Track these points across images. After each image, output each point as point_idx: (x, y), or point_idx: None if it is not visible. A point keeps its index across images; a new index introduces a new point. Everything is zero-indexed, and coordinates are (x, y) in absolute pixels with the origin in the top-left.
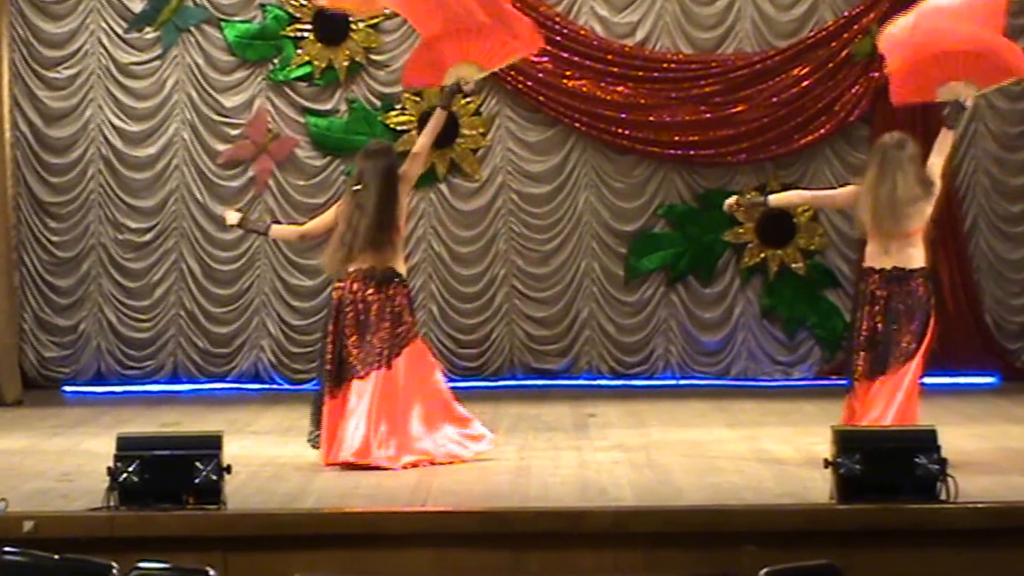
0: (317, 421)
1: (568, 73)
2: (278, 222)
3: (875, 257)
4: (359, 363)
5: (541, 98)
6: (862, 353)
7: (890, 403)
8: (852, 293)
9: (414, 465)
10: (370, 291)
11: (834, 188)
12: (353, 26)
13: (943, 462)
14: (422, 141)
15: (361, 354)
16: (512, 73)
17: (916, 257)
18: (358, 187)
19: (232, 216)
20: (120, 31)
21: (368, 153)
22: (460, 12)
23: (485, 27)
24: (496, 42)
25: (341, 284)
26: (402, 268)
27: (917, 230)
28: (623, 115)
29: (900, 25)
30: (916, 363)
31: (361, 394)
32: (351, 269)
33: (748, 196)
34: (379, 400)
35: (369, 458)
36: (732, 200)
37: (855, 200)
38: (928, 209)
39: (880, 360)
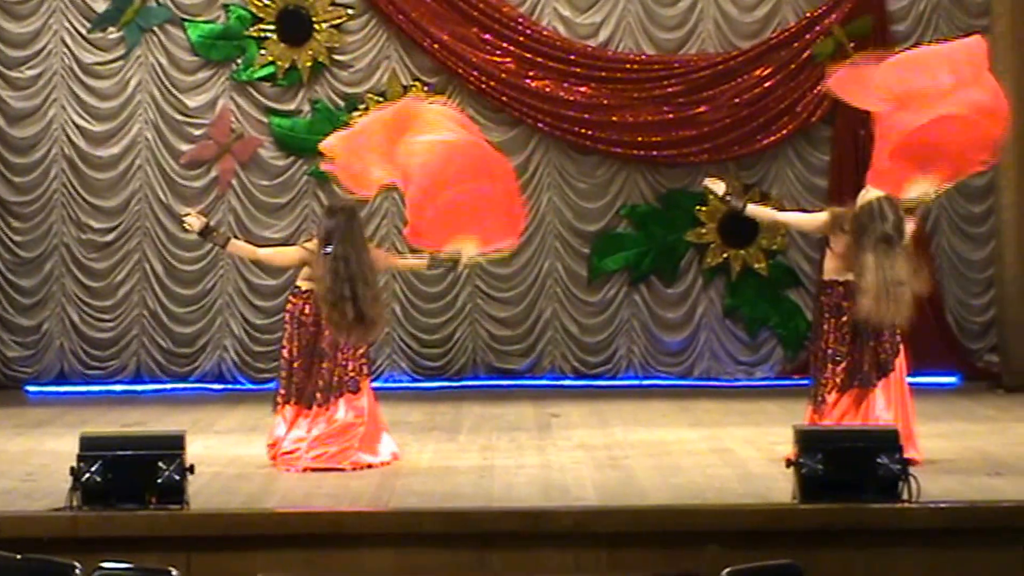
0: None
1: (531, 73)
2: (237, 237)
3: (839, 271)
4: (319, 392)
5: (504, 98)
6: (830, 366)
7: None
8: (815, 293)
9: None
10: (324, 317)
11: (800, 204)
12: (316, 27)
13: (905, 462)
14: (397, 264)
15: (321, 383)
16: (475, 73)
17: None
18: (328, 250)
19: (194, 222)
20: (83, 31)
21: (334, 211)
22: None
23: (499, 204)
24: (500, 224)
25: (295, 300)
26: None
27: None
28: (586, 115)
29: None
30: (900, 374)
31: (321, 420)
32: (304, 288)
33: (731, 195)
34: (367, 420)
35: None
36: (719, 188)
37: (824, 228)
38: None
39: (851, 372)
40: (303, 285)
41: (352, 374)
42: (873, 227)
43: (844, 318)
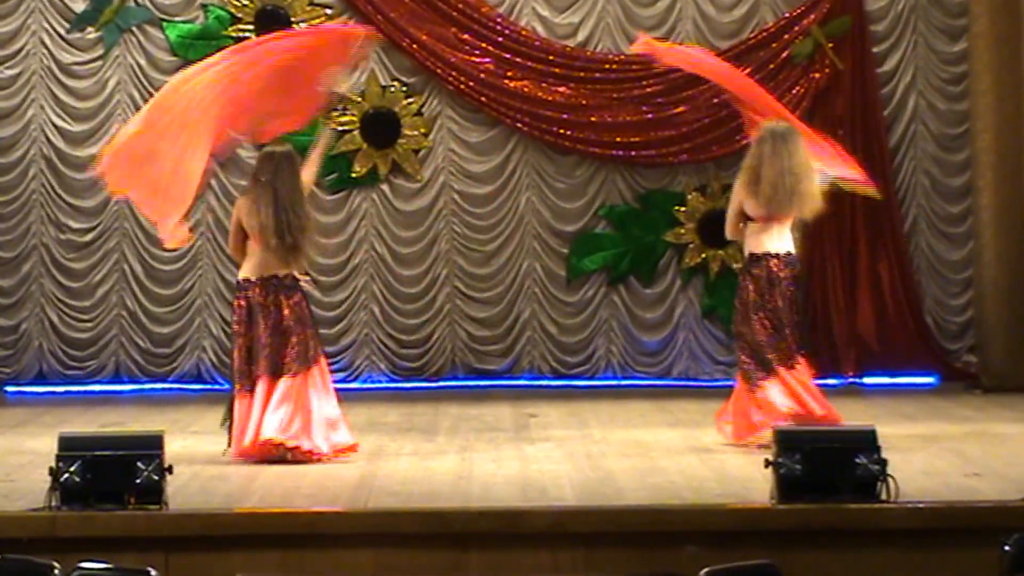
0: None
1: (510, 74)
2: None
3: (770, 242)
4: (290, 362)
5: (483, 98)
6: (788, 332)
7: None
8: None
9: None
10: (279, 297)
11: None
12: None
13: (883, 462)
14: (309, 177)
15: (295, 352)
16: (454, 73)
17: (791, 244)
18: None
19: None
20: (62, 31)
21: (272, 156)
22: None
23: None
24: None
25: (246, 293)
26: (299, 274)
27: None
28: (565, 115)
29: None
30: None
31: (290, 391)
32: (254, 278)
33: None
34: (309, 394)
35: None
36: None
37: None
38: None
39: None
40: (252, 276)
41: (314, 349)
42: (766, 129)
43: (779, 288)
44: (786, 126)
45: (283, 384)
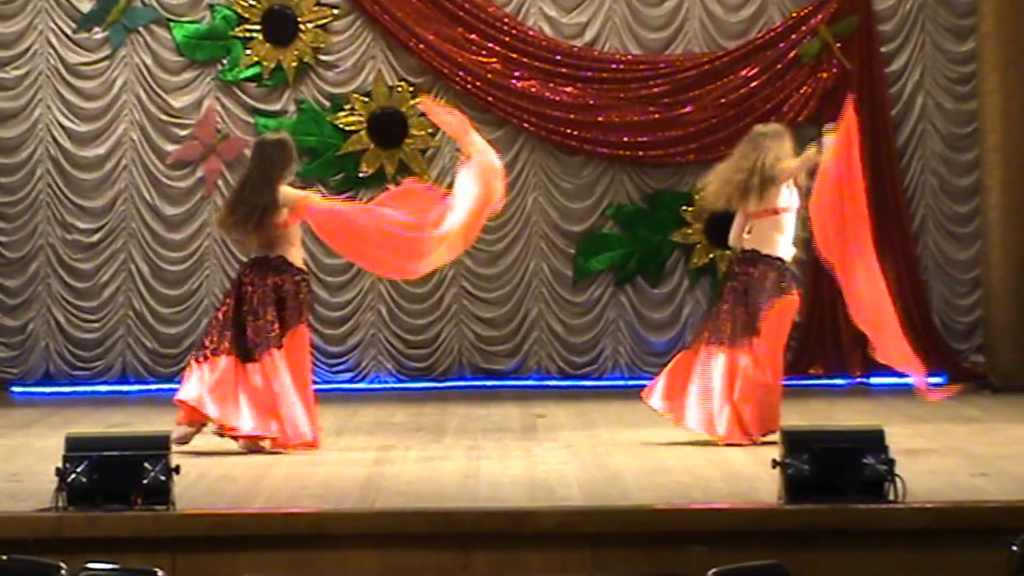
0: None
1: (517, 73)
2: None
3: (735, 236)
4: (253, 347)
5: (490, 98)
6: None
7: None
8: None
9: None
10: (256, 277)
11: None
12: (302, 27)
13: (891, 462)
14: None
15: (257, 338)
16: (461, 74)
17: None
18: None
19: None
20: (68, 31)
21: (261, 143)
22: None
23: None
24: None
25: (238, 273)
26: (296, 259)
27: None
28: (572, 115)
29: None
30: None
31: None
32: (247, 259)
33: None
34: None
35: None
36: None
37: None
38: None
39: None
40: (246, 257)
41: (276, 331)
42: (753, 129)
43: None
44: (773, 128)
45: (246, 368)
